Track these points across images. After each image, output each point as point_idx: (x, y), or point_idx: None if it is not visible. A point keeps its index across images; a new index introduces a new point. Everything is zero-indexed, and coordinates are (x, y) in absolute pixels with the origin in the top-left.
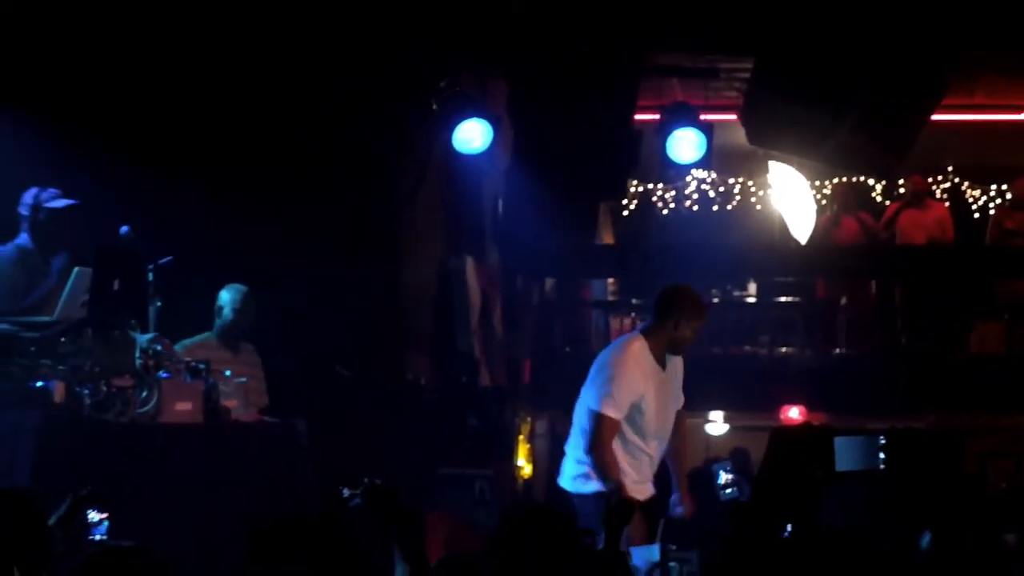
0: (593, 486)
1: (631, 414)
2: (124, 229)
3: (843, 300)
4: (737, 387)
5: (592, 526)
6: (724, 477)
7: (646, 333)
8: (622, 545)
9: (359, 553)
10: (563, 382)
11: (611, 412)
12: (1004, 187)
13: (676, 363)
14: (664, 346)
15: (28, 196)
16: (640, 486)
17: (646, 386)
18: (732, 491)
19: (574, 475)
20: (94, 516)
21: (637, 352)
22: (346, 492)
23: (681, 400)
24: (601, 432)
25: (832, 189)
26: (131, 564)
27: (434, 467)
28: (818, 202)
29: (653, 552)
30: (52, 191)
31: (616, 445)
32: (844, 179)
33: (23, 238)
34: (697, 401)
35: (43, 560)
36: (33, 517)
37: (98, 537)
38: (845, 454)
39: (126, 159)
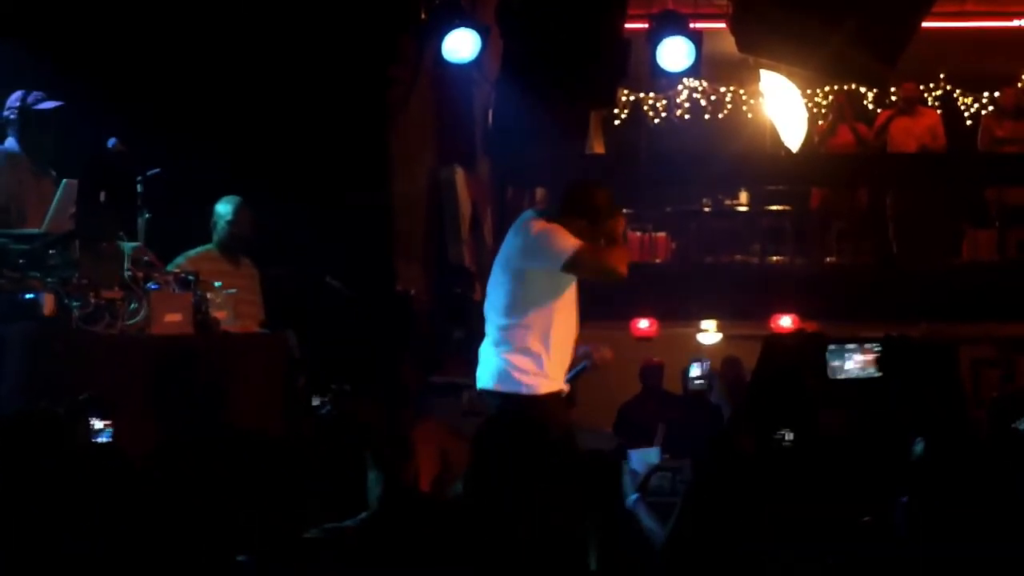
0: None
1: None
2: (112, 141)
3: (835, 209)
4: (729, 296)
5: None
6: (696, 370)
7: (548, 219)
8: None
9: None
10: None
11: (576, 243)
12: (996, 95)
13: None
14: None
15: (14, 99)
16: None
17: None
18: (700, 383)
19: (496, 372)
20: (97, 423)
21: (554, 223)
22: (316, 400)
23: None
24: (591, 257)
25: (831, 98)
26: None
27: (424, 376)
28: (809, 110)
29: (651, 455)
30: (37, 94)
31: (541, 338)
32: (838, 88)
33: (10, 143)
34: (689, 310)
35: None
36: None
37: (102, 441)
38: (838, 362)
39: (113, 71)
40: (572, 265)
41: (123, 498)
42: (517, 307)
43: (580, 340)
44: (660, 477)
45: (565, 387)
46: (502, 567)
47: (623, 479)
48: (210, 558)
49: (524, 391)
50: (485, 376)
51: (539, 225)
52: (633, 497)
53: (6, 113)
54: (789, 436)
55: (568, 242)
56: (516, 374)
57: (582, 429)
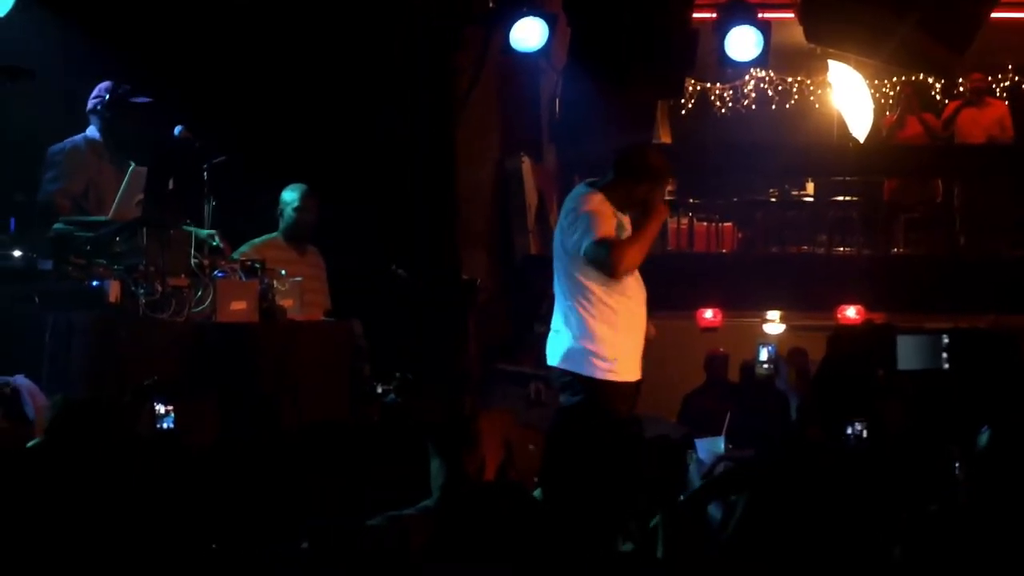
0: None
1: None
2: (179, 128)
3: (905, 201)
4: (794, 286)
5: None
6: (763, 354)
7: (603, 188)
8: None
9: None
10: None
11: (606, 231)
12: None
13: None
14: (622, 205)
15: (102, 89)
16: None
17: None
18: (767, 367)
19: (564, 351)
20: (160, 408)
21: (599, 200)
22: (380, 388)
23: None
24: (610, 253)
25: (899, 89)
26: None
27: (491, 366)
28: (876, 101)
29: (718, 444)
30: (126, 87)
31: (602, 321)
32: (906, 78)
33: (91, 131)
34: (753, 300)
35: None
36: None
37: (166, 427)
38: (907, 353)
39: (177, 58)
40: (589, 256)
41: (184, 485)
42: (573, 287)
43: None
44: (724, 466)
45: (635, 376)
46: (570, 559)
47: (689, 468)
48: (273, 546)
49: (587, 373)
50: (555, 354)
51: (585, 204)
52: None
53: (93, 102)
54: (860, 429)
55: (598, 231)
56: (580, 356)
57: (647, 418)
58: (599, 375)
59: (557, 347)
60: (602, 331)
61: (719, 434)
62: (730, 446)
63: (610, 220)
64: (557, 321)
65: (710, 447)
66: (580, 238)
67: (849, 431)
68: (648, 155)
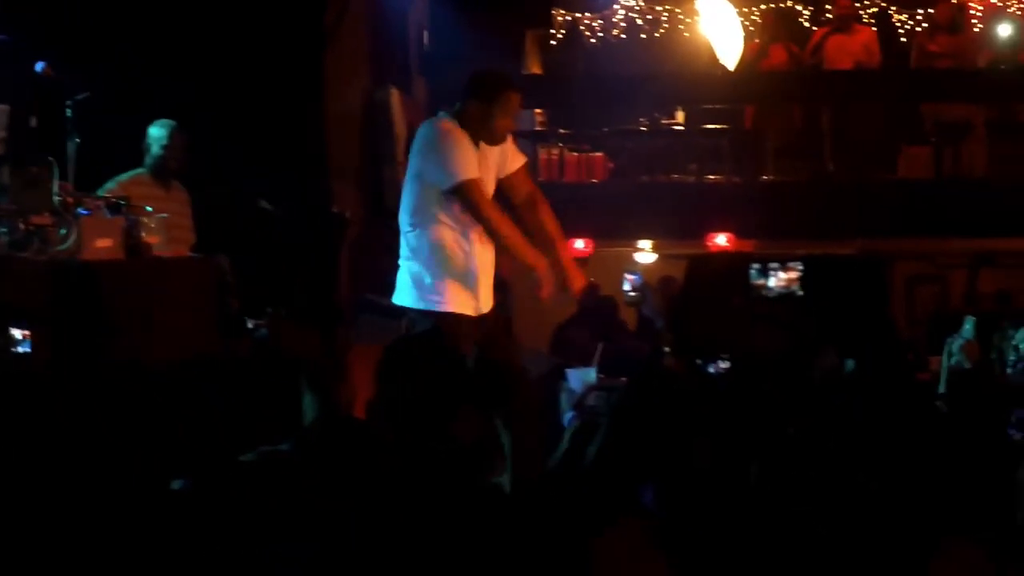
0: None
1: None
2: (41, 65)
3: (769, 128)
4: (665, 215)
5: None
6: (628, 284)
7: (457, 114)
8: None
9: None
10: None
11: (469, 174)
12: (930, 11)
13: (491, 151)
14: (474, 132)
15: None
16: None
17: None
18: (634, 295)
19: (404, 285)
20: (16, 333)
21: (454, 127)
22: (251, 323)
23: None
24: (475, 196)
25: (761, 17)
26: None
27: (362, 299)
28: (746, 29)
29: (590, 375)
30: None
31: (443, 248)
32: (772, 5)
33: None
34: (625, 230)
35: None
36: None
37: (20, 351)
38: (763, 280)
39: None
40: (457, 194)
41: (46, 417)
42: (420, 213)
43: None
44: (596, 396)
45: (478, 309)
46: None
47: (560, 398)
48: (142, 483)
49: (425, 307)
50: (400, 292)
51: (445, 128)
52: (569, 415)
53: None
54: (722, 363)
55: (465, 167)
56: (420, 289)
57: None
58: (439, 308)
59: (400, 283)
60: (447, 263)
61: (591, 365)
62: (602, 376)
63: (469, 151)
64: (401, 256)
65: (582, 377)
66: (447, 171)
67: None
68: (499, 76)
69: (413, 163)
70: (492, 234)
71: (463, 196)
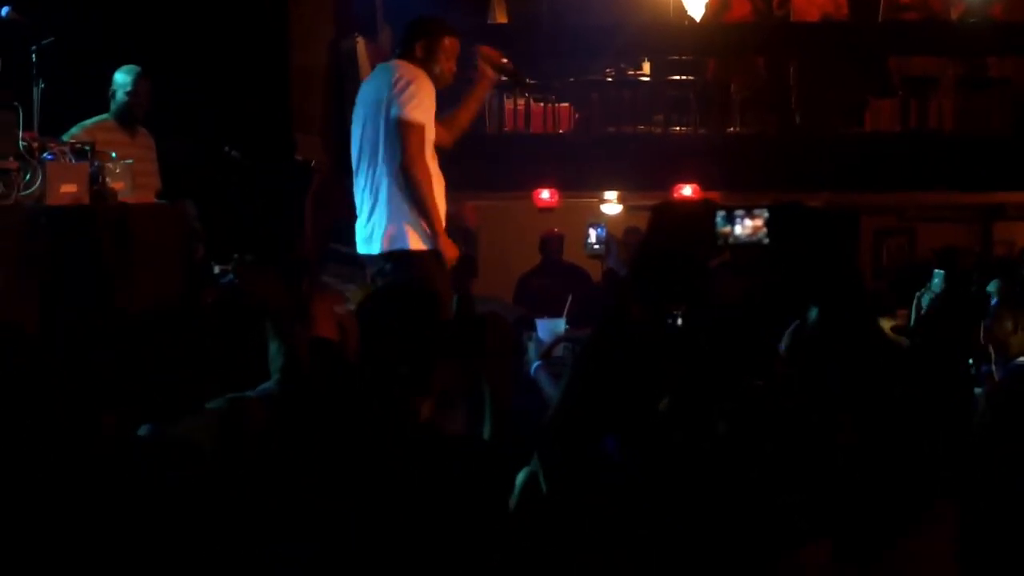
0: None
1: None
2: (5, 10)
3: (731, 79)
4: (631, 166)
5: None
6: (594, 235)
7: (402, 56)
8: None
9: None
10: (456, 157)
11: (417, 116)
12: None
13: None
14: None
15: None
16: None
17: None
18: (598, 248)
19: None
20: None
21: (420, 71)
22: (217, 269)
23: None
24: (412, 142)
25: None
26: None
27: (326, 247)
28: None
29: (559, 325)
30: None
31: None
32: None
33: None
34: (591, 181)
35: None
36: None
37: None
38: (728, 228)
39: None
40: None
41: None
42: (384, 155)
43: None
44: (564, 347)
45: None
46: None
47: (529, 347)
48: (109, 430)
49: (414, 246)
50: (390, 238)
51: (406, 72)
52: (536, 364)
53: None
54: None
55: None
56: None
57: (481, 298)
58: (428, 245)
59: (390, 227)
60: (402, 197)
61: (556, 315)
62: (569, 327)
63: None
64: (363, 202)
65: (551, 328)
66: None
67: (670, 309)
68: (436, 21)
69: (394, 110)
70: (415, 185)
71: (404, 136)
